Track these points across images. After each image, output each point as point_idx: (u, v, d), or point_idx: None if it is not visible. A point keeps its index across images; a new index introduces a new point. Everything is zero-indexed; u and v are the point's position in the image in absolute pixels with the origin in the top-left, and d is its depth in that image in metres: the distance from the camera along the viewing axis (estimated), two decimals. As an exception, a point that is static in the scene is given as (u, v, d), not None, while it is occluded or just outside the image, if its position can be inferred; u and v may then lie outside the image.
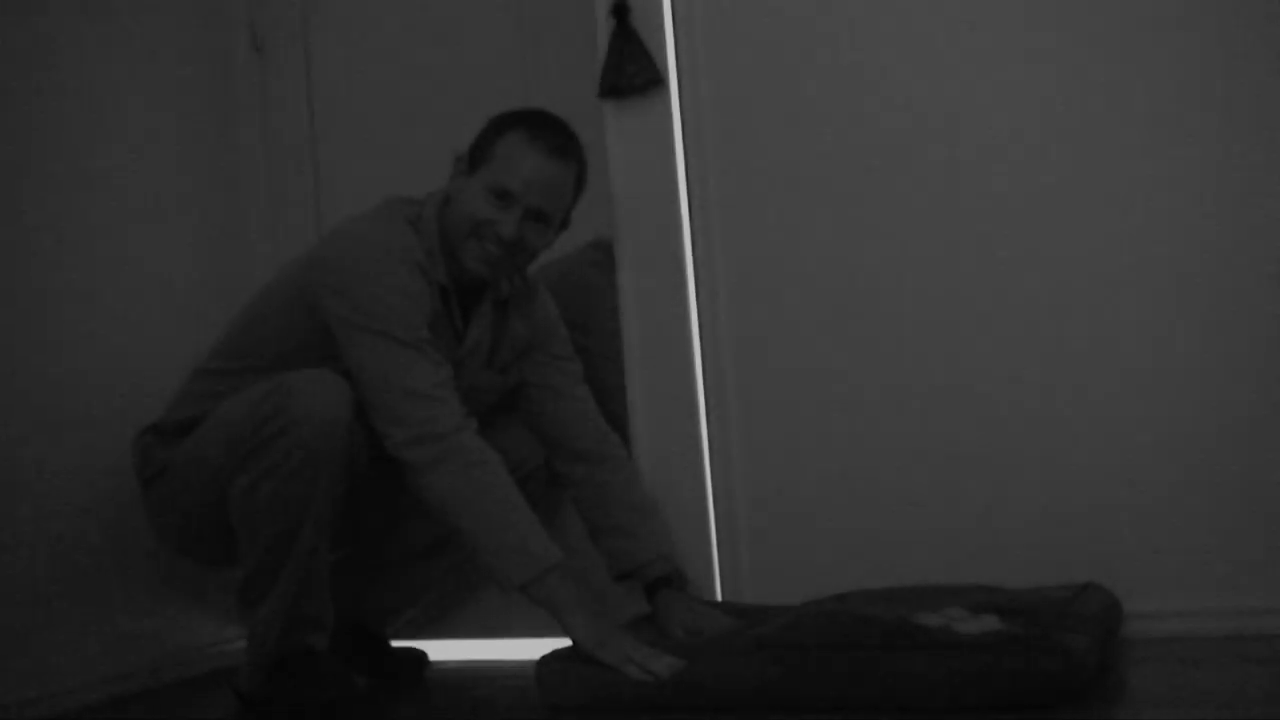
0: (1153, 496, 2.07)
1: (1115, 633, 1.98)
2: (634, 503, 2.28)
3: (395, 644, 2.48)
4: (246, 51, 3.04)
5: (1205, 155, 2.06)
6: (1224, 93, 2.04)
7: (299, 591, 2.07)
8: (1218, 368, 2.04)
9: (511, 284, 2.29)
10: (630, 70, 2.38)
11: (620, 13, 2.40)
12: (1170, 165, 2.08)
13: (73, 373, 2.43)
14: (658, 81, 2.38)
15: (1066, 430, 2.13)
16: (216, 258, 2.86)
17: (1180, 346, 2.07)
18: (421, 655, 2.48)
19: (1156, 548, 2.06)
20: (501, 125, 2.17)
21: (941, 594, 2.01)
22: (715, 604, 2.27)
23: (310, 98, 3.06)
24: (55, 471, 2.35)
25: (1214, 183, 2.05)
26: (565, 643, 1.97)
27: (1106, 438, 2.10)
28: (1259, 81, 2.02)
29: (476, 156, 2.17)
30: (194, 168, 2.83)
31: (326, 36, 3.07)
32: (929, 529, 2.21)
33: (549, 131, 2.15)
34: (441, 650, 2.55)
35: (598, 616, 2.00)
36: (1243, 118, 2.03)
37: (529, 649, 2.19)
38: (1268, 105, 2.02)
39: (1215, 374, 2.05)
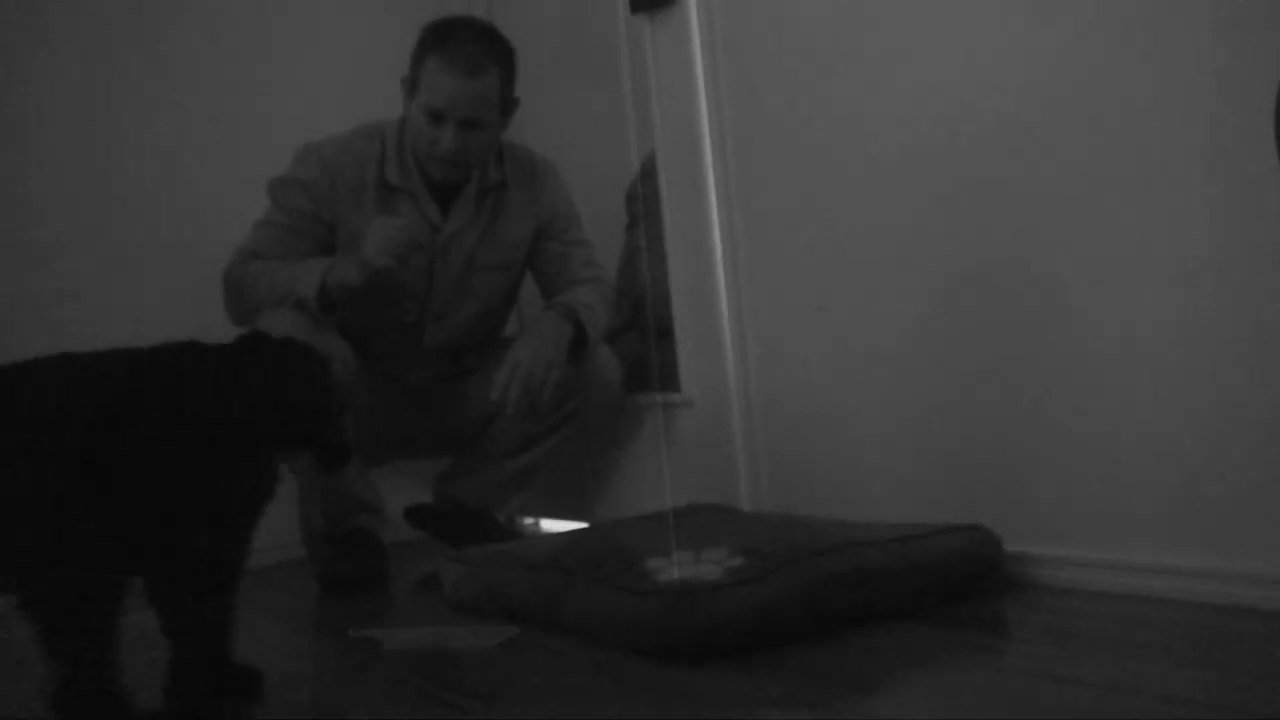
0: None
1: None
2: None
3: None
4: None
5: (1217, 144, 1.79)
6: (1233, 83, 1.77)
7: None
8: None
9: (487, 176, 2.55)
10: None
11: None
12: (1186, 151, 1.84)
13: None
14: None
15: (1077, 395, 1.98)
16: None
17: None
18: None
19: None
20: (421, 49, 2.45)
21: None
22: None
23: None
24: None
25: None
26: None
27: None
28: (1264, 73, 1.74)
29: (413, 79, 2.47)
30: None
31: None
32: (912, 467, 2.20)
33: (462, 47, 2.39)
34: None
35: None
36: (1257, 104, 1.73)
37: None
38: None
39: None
